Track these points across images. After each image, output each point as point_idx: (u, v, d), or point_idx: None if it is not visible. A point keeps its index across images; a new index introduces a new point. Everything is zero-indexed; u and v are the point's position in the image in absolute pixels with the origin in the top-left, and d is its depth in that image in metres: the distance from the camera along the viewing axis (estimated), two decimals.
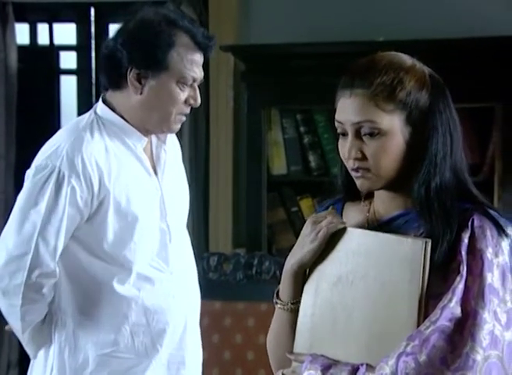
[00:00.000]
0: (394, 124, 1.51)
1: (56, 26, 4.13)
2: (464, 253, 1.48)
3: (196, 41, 2.16)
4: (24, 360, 3.82)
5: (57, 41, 4.13)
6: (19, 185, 3.69)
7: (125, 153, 2.17)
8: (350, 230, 1.58)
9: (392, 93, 1.50)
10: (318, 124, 3.59)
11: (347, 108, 1.53)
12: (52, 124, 4.05)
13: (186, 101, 2.17)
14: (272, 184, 3.59)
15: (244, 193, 3.60)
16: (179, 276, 2.24)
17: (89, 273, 2.15)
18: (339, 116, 1.56)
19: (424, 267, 1.46)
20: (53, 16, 4.12)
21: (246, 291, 3.07)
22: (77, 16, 4.07)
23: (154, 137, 2.27)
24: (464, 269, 1.47)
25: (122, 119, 2.18)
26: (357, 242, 1.56)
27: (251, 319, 3.00)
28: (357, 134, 1.53)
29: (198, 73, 2.17)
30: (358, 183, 1.57)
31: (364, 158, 1.53)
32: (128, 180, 2.15)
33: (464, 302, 1.45)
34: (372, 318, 1.51)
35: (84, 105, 4.04)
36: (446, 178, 1.53)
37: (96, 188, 2.09)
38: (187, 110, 2.20)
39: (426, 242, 1.46)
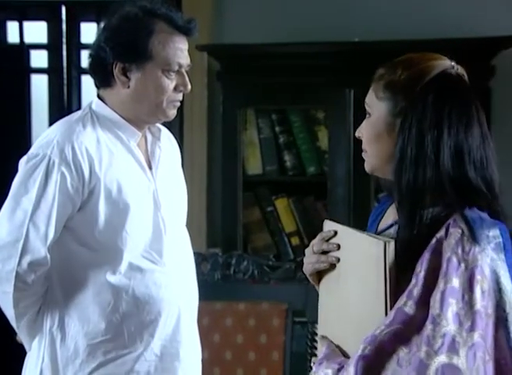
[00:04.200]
0: (381, 111, 1.61)
1: (26, 24, 4.08)
2: (427, 254, 1.49)
3: (175, 25, 2.15)
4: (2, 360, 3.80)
5: (27, 40, 4.08)
6: None
7: (117, 145, 2.18)
8: (339, 227, 1.66)
9: (388, 83, 1.60)
10: (293, 124, 3.61)
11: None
12: (23, 123, 4.02)
13: (176, 89, 2.17)
14: (248, 184, 3.60)
15: (219, 193, 3.60)
16: (172, 269, 2.23)
17: (79, 262, 2.15)
18: None
19: (386, 266, 1.50)
20: (23, 14, 4.08)
21: (223, 291, 3.07)
22: (48, 14, 4.04)
23: (149, 134, 2.28)
24: (422, 270, 1.48)
25: (116, 114, 2.19)
26: (342, 240, 1.64)
27: (229, 318, 3.00)
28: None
29: (183, 58, 2.16)
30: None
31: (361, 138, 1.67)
32: (119, 170, 2.16)
33: (421, 304, 1.46)
34: (352, 309, 1.60)
35: (55, 105, 4.02)
36: (420, 177, 1.54)
37: (86, 176, 2.10)
38: (179, 97, 2.19)
39: (387, 242, 1.51)
